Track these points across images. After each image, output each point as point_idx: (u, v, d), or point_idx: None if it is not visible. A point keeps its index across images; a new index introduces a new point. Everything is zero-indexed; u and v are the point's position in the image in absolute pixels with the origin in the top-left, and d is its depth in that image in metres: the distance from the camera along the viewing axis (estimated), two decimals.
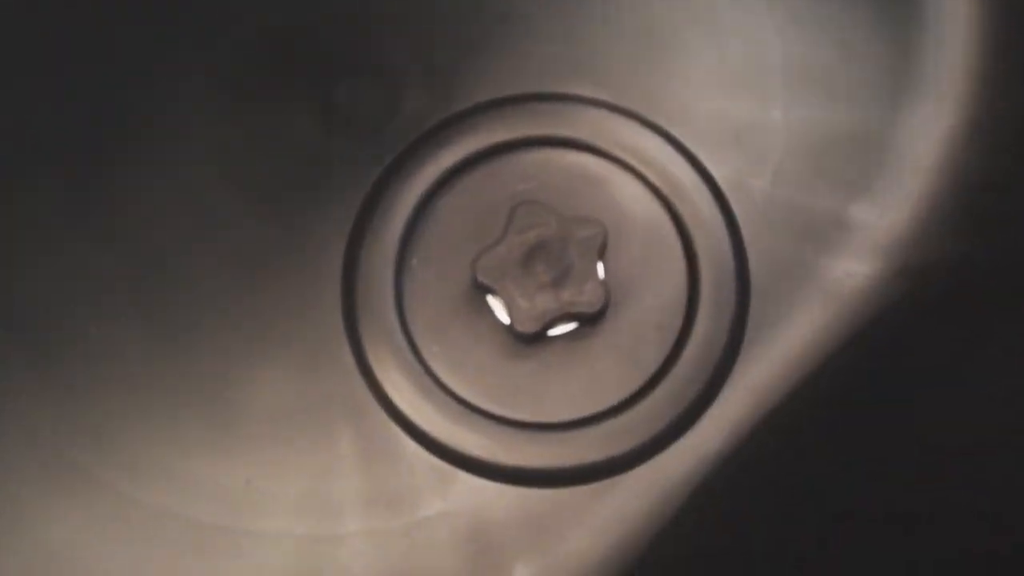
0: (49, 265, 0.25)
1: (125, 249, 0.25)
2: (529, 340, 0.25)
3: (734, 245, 0.26)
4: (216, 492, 0.24)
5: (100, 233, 0.26)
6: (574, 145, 0.27)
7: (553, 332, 0.25)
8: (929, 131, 0.26)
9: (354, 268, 0.25)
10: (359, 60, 0.27)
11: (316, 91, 0.26)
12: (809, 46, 0.27)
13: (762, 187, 0.26)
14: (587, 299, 0.24)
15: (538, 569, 0.23)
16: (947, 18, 0.27)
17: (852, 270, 0.25)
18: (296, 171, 0.26)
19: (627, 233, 0.26)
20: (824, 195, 0.26)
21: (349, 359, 0.25)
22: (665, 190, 0.26)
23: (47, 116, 0.26)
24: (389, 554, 0.23)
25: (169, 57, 0.26)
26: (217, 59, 0.26)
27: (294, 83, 0.26)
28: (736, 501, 0.24)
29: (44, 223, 0.25)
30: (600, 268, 0.25)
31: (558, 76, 0.27)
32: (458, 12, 0.27)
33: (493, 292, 0.25)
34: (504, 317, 0.25)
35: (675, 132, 0.27)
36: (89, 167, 0.26)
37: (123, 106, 0.26)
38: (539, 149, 0.27)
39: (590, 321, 0.25)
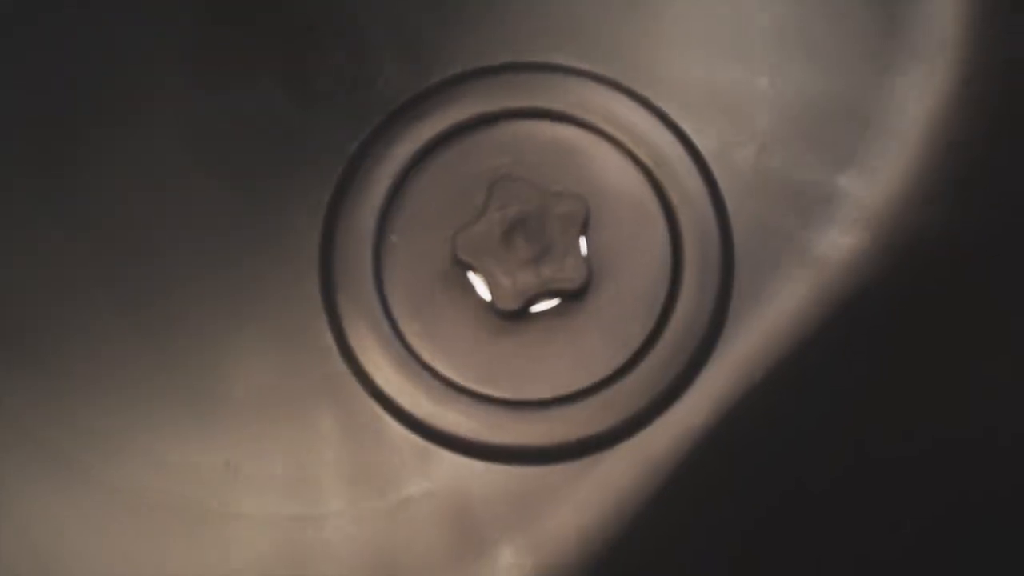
0: (20, 251, 0.25)
1: (98, 233, 0.25)
2: (511, 317, 0.24)
3: (719, 217, 0.25)
4: (198, 474, 0.24)
5: (72, 217, 0.25)
6: (555, 117, 0.26)
7: (535, 309, 0.25)
8: (917, 100, 0.26)
9: (331, 246, 0.25)
10: (331, 32, 0.26)
11: (287, 65, 0.26)
12: (796, 14, 0.26)
13: (747, 158, 0.26)
14: (568, 275, 0.24)
15: (523, 546, 0.23)
16: None
17: (838, 242, 0.25)
18: (270, 148, 0.25)
19: (610, 207, 0.25)
20: (811, 165, 0.26)
21: (329, 338, 0.25)
22: (649, 162, 0.26)
23: (12, 101, 0.25)
24: (373, 533, 0.23)
25: (135, 35, 0.25)
26: (183, 35, 0.25)
27: (264, 58, 0.26)
28: (721, 475, 0.24)
29: (13, 208, 0.25)
30: (582, 243, 0.25)
31: (538, 45, 0.26)
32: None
33: (473, 269, 0.24)
34: (485, 294, 0.25)
35: (659, 103, 0.26)
36: (58, 151, 0.25)
37: (91, 87, 0.25)
38: (519, 121, 0.26)
39: (573, 297, 0.25)
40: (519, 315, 0.24)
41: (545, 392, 0.24)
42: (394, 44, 0.26)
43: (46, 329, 0.25)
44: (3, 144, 0.25)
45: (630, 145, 0.26)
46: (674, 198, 0.25)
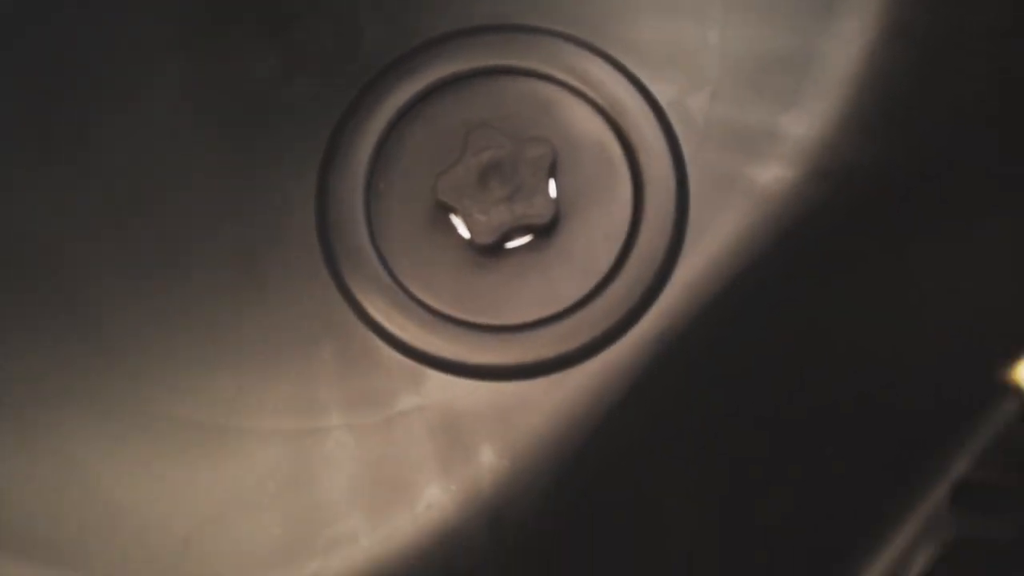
0: (31, 201, 0.27)
1: (101, 183, 0.28)
2: (488, 252, 0.27)
3: (674, 158, 0.28)
4: (211, 398, 0.27)
5: (76, 169, 0.28)
6: (525, 72, 0.29)
7: (510, 245, 0.28)
8: (853, 44, 0.28)
9: (326, 194, 0.28)
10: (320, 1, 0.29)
11: (279, 32, 0.28)
12: None
13: (700, 104, 0.29)
14: (538, 212, 0.27)
15: (502, 451, 0.26)
16: None
17: (781, 176, 0.28)
18: (265, 109, 0.28)
19: (576, 152, 0.28)
20: (756, 107, 0.28)
21: (326, 276, 0.27)
22: (611, 112, 0.29)
23: (17, 60, 0.28)
24: (370, 444, 0.26)
25: (135, 13, 0.28)
26: (181, 9, 0.28)
27: (258, 26, 0.28)
28: (676, 388, 0.27)
29: (19, 161, 0.27)
30: (551, 184, 0.27)
31: (510, 9, 0.29)
32: None
33: (454, 210, 0.27)
34: (465, 233, 0.27)
35: (620, 58, 0.29)
36: (61, 109, 0.28)
37: (92, 49, 0.28)
38: (493, 77, 0.29)
39: (543, 233, 0.27)
40: (495, 250, 0.27)
41: (521, 318, 0.27)
42: (379, 10, 0.29)
43: (73, 273, 0.28)
44: (7, 121, 0.28)
45: (594, 96, 0.29)
46: (634, 142, 0.28)
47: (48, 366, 0.27)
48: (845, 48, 0.28)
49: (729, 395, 0.27)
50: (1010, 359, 0.23)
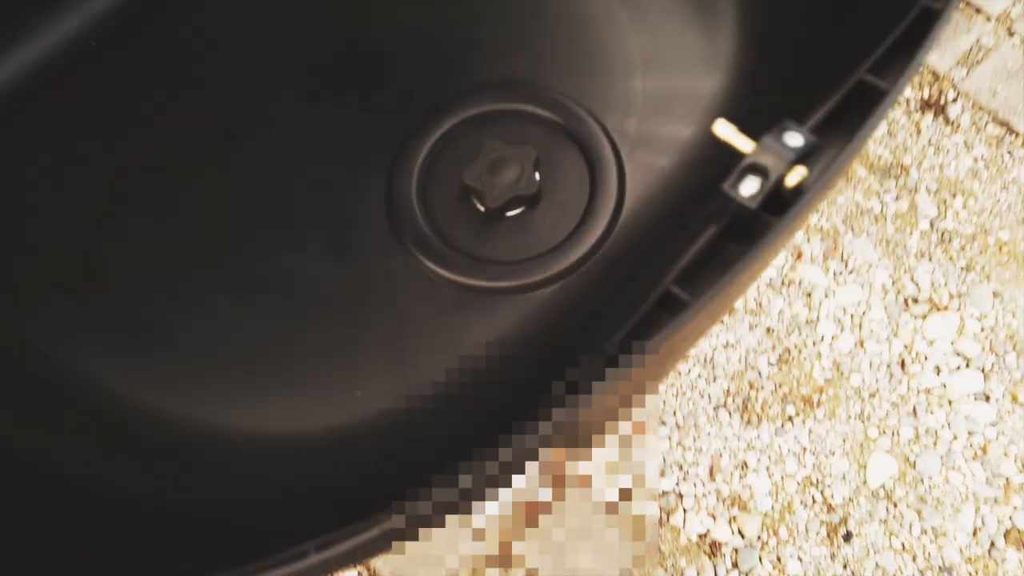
0: (200, 189, 0.44)
1: (250, 183, 0.44)
2: (495, 217, 0.43)
3: (616, 158, 0.44)
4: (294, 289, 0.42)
5: (235, 173, 0.44)
6: (521, 110, 0.45)
7: (510, 213, 0.43)
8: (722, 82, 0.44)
9: (392, 185, 0.44)
10: (389, 68, 0.46)
11: (363, 89, 0.46)
12: (652, 41, 0.46)
13: (632, 125, 0.45)
14: (527, 188, 0.42)
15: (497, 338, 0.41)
16: None
17: (680, 162, 0.43)
18: (356, 133, 0.45)
19: (552, 153, 0.44)
20: (668, 124, 0.44)
21: (388, 234, 0.43)
22: (575, 131, 0.45)
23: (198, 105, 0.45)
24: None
25: (264, 70, 0.46)
26: (291, 74, 0.46)
27: (350, 85, 0.46)
28: (619, 300, 0.41)
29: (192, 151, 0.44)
30: (536, 175, 0.43)
31: (513, 70, 0.46)
32: (444, 49, 0.46)
33: (473, 191, 0.43)
34: (480, 207, 0.43)
35: (582, 99, 0.46)
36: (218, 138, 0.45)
37: (237, 100, 0.45)
38: (500, 113, 0.45)
39: (530, 202, 0.43)
40: (500, 216, 0.43)
41: (515, 256, 0.42)
42: (430, 75, 0.46)
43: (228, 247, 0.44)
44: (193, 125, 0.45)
45: (565, 124, 0.45)
46: (592, 149, 0.44)
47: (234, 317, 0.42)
48: (720, 85, 0.44)
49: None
50: None
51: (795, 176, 0.23)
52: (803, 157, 0.23)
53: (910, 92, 0.72)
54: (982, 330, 0.72)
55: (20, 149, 0.42)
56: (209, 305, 0.41)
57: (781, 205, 0.23)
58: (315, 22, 0.47)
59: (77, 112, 0.44)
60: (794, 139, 0.23)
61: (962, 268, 0.73)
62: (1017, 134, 0.70)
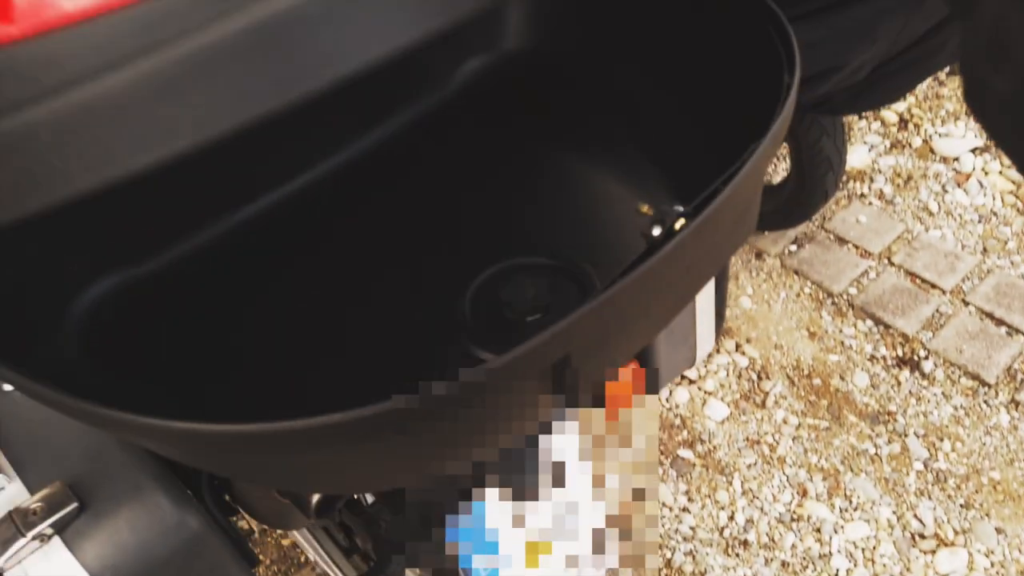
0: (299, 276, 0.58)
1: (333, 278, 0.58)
2: (520, 319, 0.55)
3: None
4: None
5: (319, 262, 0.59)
6: (531, 262, 0.60)
7: (529, 319, 0.55)
8: None
9: (462, 303, 0.57)
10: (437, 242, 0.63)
11: (411, 273, 0.62)
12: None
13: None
14: (530, 310, 0.55)
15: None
16: None
17: None
18: (429, 301, 0.60)
19: (558, 285, 0.58)
20: None
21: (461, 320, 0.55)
22: (575, 274, 0.59)
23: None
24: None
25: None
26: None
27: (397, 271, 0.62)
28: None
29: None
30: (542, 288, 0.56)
31: (528, 243, 0.62)
32: (481, 229, 0.63)
33: (506, 304, 0.56)
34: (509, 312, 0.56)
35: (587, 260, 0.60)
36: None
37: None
38: (518, 267, 0.60)
39: (543, 311, 0.55)
40: (523, 319, 0.55)
41: None
42: (473, 243, 0.62)
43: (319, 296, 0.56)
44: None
45: (555, 263, 0.59)
46: (584, 282, 0.57)
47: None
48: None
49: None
50: None
51: (679, 224, 0.38)
52: (685, 215, 0.38)
53: (884, 351, 0.84)
54: (992, 565, 0.72)
55: None
56: None
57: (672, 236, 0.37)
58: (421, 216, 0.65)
59: None
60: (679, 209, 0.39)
61: (961, 505, 0.76)
62: (989, 385, 0.79)
